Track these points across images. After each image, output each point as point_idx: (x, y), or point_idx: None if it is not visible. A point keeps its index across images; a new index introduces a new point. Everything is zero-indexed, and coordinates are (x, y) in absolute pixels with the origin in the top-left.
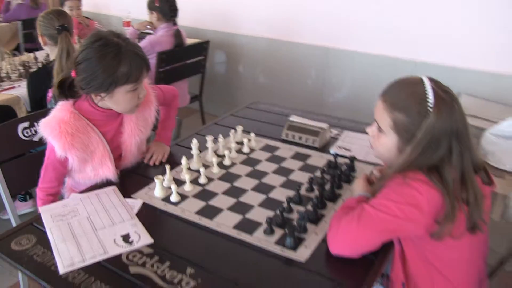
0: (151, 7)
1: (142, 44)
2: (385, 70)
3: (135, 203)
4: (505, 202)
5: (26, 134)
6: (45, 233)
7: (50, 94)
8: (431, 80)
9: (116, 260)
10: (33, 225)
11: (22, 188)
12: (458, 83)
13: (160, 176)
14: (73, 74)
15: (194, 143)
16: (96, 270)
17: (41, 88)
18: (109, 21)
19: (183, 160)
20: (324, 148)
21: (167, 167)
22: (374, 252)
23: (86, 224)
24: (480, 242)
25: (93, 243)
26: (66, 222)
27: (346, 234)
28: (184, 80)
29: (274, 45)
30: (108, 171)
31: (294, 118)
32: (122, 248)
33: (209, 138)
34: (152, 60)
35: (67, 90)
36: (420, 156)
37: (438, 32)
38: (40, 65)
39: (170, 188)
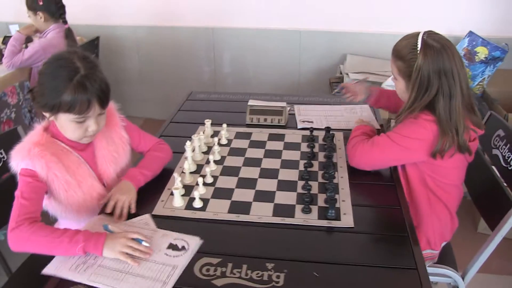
0: (33, 7)
1: (32, 49)
2: (273, 41)
3: (143, 219)
4: None
5: None
6: (87, 286)
7: None
8: (430, 33)
9: (192, 279)
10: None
11: None
12: (342, 45)
13: (177, 186)
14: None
15: (188, 145)
16: None
17: None
18: None
19: (186, 164)
20: (287, 125)
21: (176, 175)
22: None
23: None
24: (463, 170)
25: (152, 268)
26: (96, 266)
27: (362, 153)
28: None
29: (156, 32)
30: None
31: (251, 102)
32: (183, 257)
33: (195, 137)
34: None
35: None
36: (419, 93)
37: (318, 2)
38: None
39: (183, 195)
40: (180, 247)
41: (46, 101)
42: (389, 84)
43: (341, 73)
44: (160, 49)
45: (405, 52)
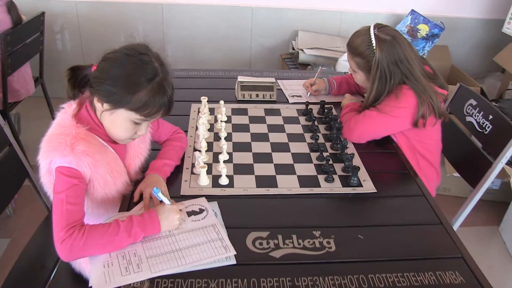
0: None
1: None
2: (224, 18)
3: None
4: None
5: None
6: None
7: None
8: (379, 26)
9: (249, 253)
10: None
11: None
12: (293, 21)
13: (202, 164)
14: (93, 67)
15: (201, 123)
16: (244, 270)
17: None
18: None
19: (203, 143)
20: (277, 100)
21: (197, 153)
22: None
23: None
24: (440, 126)
25: (196, 235)
26: (145, 258)
27: (354, 127)
28: (27, 63)
29: (98, 8)
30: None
31: (241, 79)
32: (209, 216)
33: (203, 115)
34: None
35: (79, 81)
36: (381, 82)
37: None
38: None
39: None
40: (198, 210)
41: (113, 92)
42: (345, 59)
43: (293, 49)
44: (105, 27)
45: (362, 49)
